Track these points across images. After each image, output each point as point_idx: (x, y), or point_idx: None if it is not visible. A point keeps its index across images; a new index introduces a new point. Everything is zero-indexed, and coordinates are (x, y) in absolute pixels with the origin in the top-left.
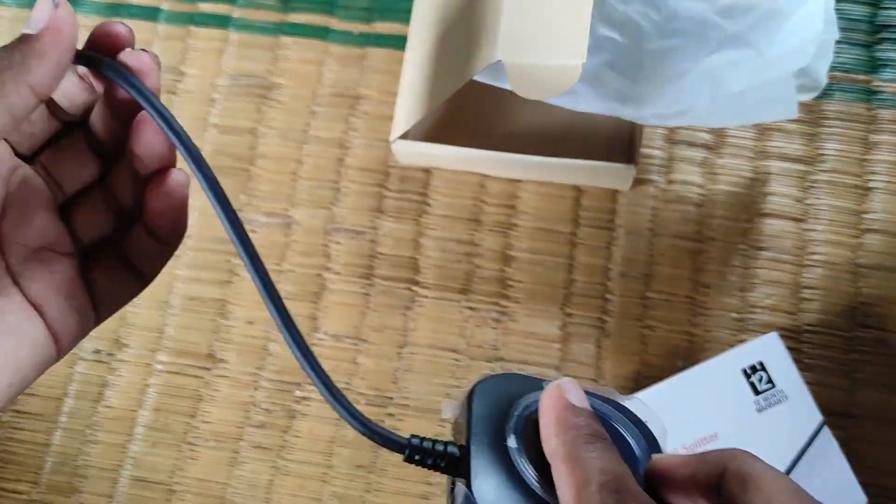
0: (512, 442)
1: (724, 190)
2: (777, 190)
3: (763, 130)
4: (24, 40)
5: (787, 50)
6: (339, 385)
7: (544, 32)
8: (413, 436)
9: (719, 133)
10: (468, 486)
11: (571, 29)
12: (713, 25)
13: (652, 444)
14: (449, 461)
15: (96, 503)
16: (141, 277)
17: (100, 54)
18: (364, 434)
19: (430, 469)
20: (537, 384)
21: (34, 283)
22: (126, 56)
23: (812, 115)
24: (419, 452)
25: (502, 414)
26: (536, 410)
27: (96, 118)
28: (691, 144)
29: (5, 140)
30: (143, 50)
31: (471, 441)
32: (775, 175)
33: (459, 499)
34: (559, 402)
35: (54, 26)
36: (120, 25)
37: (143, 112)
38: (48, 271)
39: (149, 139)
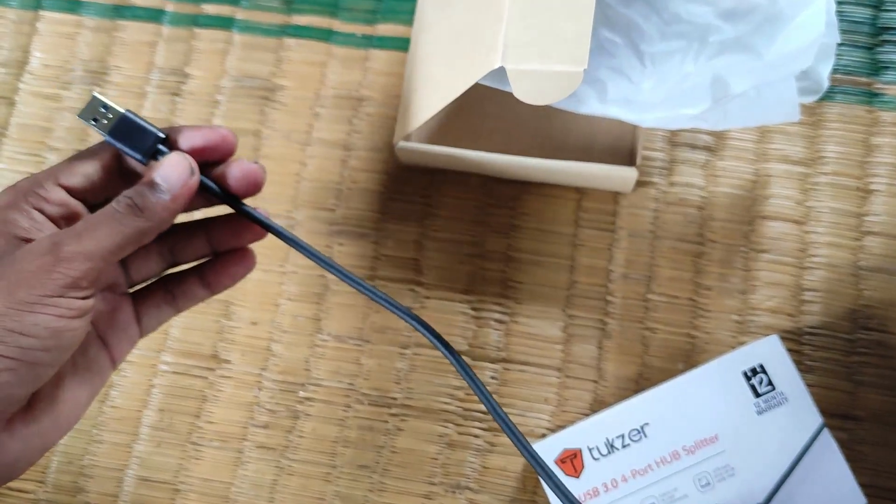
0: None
1: (726, 192)
2: (778, 192)
3: (764, 133)
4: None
5: (788, 53)
6: (342, 385)
7: (546, 39)
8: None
9: (720, 136)
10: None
11: (573, 35)
12: (714, 29)
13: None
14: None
15: (102, 502)
16: (179, 309)
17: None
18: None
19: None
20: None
21: (101, 321)
22: (241, 170)
23: (813, 117)
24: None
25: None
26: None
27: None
28: (693, 147)
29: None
30: (255, 163)
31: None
32: (776, 177)
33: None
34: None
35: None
36: (229, 134)
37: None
38: (111, 309)
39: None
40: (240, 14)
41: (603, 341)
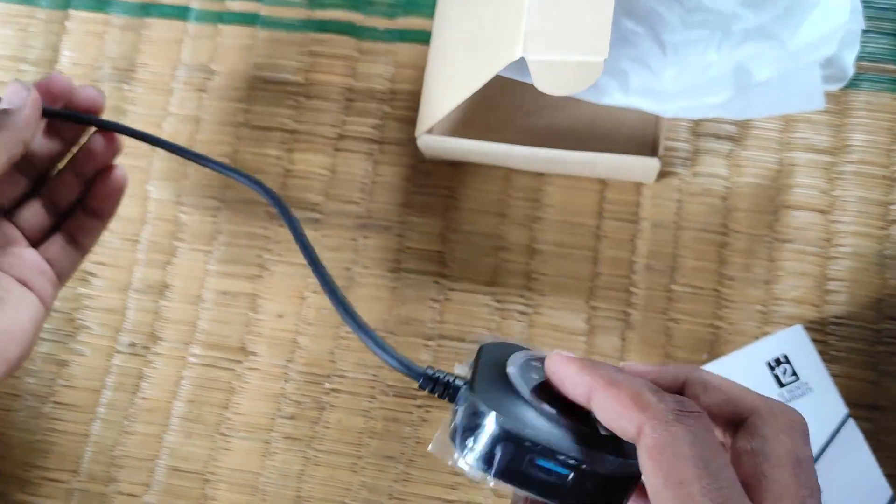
0: (511, 369)
1: (750, 182)
2: (803, 181)
3: (789, 121)
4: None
5: (812, 40)
6: (367, 377)
7: (566, 29)
8: (429, 367)
9: (744, 125)
10: (470, 387)
11: (593, 25)
12: (737, 17)
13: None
14: (455, 390)
15: (134, 492)
16: (84, 248)
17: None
18: (388, 362)
19: (439, 398)
20: (525, 349)
21: (13, 269)
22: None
23: (839, 105)
24: (432, 381)
25: (502, 361)
26: (531, 358)
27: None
28: (717, 137)
29: None
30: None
31: (475, 373)
32: (801, 166)
33: (461, 400)
34: (568, 358)
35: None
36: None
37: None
38: (19, 260)
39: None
40: (264, 10)
41: (626, 332)
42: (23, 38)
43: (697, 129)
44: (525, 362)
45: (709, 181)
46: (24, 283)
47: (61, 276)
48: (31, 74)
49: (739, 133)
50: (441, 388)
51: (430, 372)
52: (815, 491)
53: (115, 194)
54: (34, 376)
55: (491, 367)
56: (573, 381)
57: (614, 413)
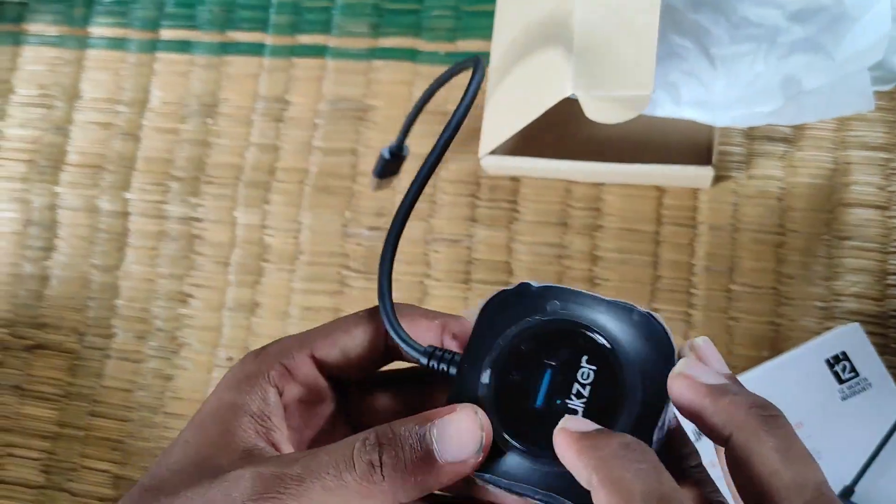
0: (485, 377)
1: (805, 182)
2: (859, 179)
3: (843, 121)
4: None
5: (857, 50)
6: None
7: (612, 66)
8: (430, 346)
9: (798, 126)
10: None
11: (638, 62)
12: (783, 30)
13: (666, 350)
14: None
15: None
16: None
17: None
18: (394, 337)
19: (442, 377)
20: (542, 305)
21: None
22: None
23: (892, 101)
24: (435, 359)
25: (493, 340)
26: (521, 339)
27: None
28: (770, 139)
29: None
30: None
31: (461, 364)
32: (857, 164)
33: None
34: (571, 436)
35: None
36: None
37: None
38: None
39: None
40: (332, 42)
41: (688, 332)
42: (116, 81)
43: (751, 132)
44: (509, 348)
45: (764, 183)
46: None
47: None
48: (126, 115)
49: (794, 134)
50: (441, 371)
51: (429, 349)
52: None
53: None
54: (145, 390)
55: (474, 357)
56: (572, 467)
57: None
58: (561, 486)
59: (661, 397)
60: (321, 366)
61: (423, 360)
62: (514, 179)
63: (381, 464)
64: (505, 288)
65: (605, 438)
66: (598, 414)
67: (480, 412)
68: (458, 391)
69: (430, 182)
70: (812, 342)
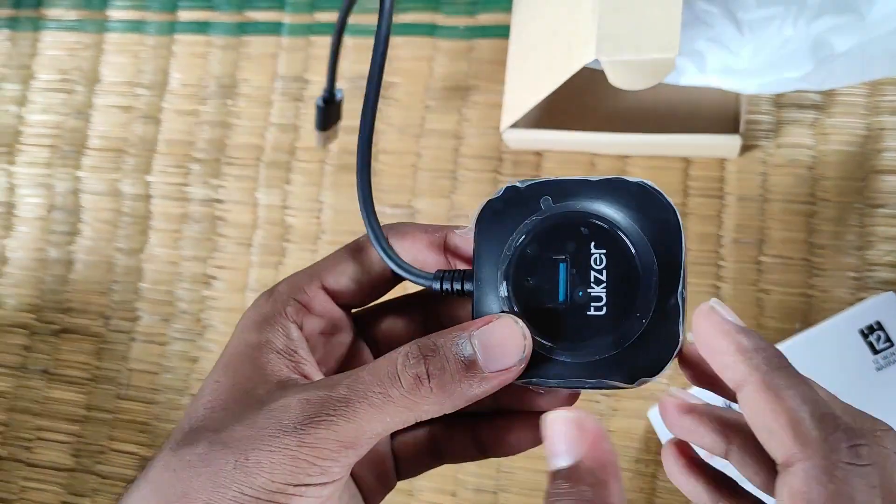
0: (503, 290)
1: (836, 150)
2: (892, 145)
3: (875, 86)
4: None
5: (889, 11)
6: None
7: (637, 28)
8: (439, 270)
9: (829, 93)
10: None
11: (663, 23)
12: None
13: (664, 212)
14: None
15: None
16: (442, 462)
17: None
18: (396, 272)
19: (458, 296)
20: (534, 204)
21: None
22: None
23: None
24: (447, 281)
25: (499, 250)
26: (525, 244)
27: None
28: (800, 106)
29: None
30: None
31: (474, 283)
32: (890, 130)
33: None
34: (725, 325)
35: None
36: None
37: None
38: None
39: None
40: (350, 19)
41: None
42: (136, 64)
43: (780, 100)
44: (518, 254)
45: (793, 151)
46: (356, 480)
47: (402, 474)
48: (146, 98)
49: (824, 101)
50: (455, 291)
51: (438, 274)
52: None
53: (523, 446)
54: (171, 372)
55: (487, 269)
56: (723, 361)
57: (763, 425)
58: (608, 370)
59: (675, 257)
60: (334, 296)
61: (436, 286)
62: (537, 153)
63: (427, 376)
64: (491, 197)
65: (757, 339)
66: (622, 292)
67: (519, 320)
68: (480, 307)
69: (452, 158)
70: (845, 312)
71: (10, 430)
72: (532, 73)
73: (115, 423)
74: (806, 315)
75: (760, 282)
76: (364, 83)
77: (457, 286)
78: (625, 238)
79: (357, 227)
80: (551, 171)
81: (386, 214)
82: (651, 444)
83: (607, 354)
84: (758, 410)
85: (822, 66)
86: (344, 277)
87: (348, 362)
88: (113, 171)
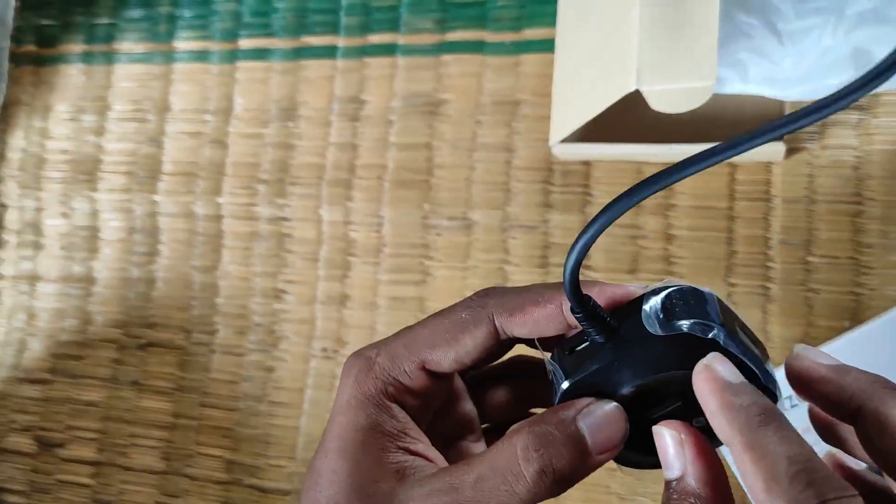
0: (624, 390)
1: (882, 150)
2: None
3: None
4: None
5: None
6: None
7: (675, 58)
8: (596, 303)
9: (872, 93)
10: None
11: (700, 52)
12: (850, 1)
13: (753, 340)
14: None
15: None
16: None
17: None
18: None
19: (580, 324)
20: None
21: None
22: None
23: None
24: (593, 315)
25: (648, 369)
26: (666, 384)
27: None
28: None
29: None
30: None
31: (608, 353)
32: None
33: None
34: (715, 383)
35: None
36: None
37: None
38: None
39: None
40: (401, 39)
41: (767, 306)
42: (202, 92)
43: None
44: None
45: (839, 153)
46: None
47: None
48: (212, 124)
49: (868, 102)
50: (588, 328)
51: (593, 304)
52: None
53: None
54: (249, 381)
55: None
56: (714, 420)
57: (745, 476)
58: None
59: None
60: (432, 373)
61: (579, 315)
62: (586, 163)
63: (552, 470)
64: (691, 333)
65: (748, 396)
66: None
67: (621, 411)
68: (593, 374)
69: (504, 170)
70: (893, 310)
71: (107, 437)
72: (578, 90)
73: (201, 429)
74: (855, 313)
75: (809, 282)
76: (417, 101)
77: (592, 332)
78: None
79: (416, 240)
80: (600, 181)
81: (443, 227)
82: None
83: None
84: (742, 469)
85: (862, 73)
86: (446, 360)
87: (457, 425)
88: (186, 194)
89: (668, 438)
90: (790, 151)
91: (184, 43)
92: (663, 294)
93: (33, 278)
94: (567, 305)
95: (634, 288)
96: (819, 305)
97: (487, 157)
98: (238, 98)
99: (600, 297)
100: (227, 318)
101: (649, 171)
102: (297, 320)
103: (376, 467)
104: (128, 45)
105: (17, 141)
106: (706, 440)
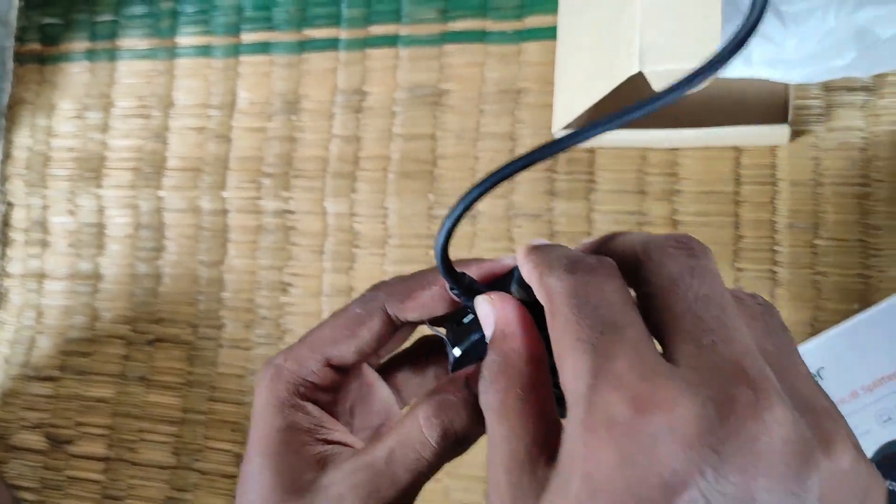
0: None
1: (888, 130)
2: None
3: None
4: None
5: None
6: None
7: (678, 39)
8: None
9: (878, 74)
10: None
11: (704, 32)
12: None
13: None
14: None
15: None
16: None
17: None
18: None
19: (459, 299)
20: None
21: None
22: None
23: None
24: (469, 289)
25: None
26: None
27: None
28: (850, 89)
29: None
30: None
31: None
32: None
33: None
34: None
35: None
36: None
37: None
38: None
39: None
40: (403, 30)
41: (775, 289)
42: (205, 87)
43: (829, 84)
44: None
45: (845, 134)
46: None
47: None
48: (216, 118)
49: (874, 83)
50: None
51: (467, 280)
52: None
53: None
54: (257, 375)
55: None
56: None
57: (524, 273)
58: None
59: None
60: (339, 367)
61: (457, 292)
62: (590, 150)
63: (454, 430)
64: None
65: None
66: None
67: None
68: (479, 342)
69: (508, 159)
70: None
71: (115, 432)
72: (580, 76)
73: (210, 424)
74: (864, 296)
75: (817, 265)
76: (421, 92)
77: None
78: None
79: (421, 230)
80: (605, 167)
81: None
82: None
83: None
84: (523, 269)
85: (867, 53)
86: (348, 353)
87: (365, 397)
88: (191, 189)
89: (482, 302)
90: (796, 134)
91: (186, 38)
92: None
93: (41, 276)
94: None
95: (509, 260)
96: (828, 289)
97: (491, 146)
98: (241, 92)
99: (478, 272)
100: (234, 313)
101: (654, 157)
102: (304, 313)
103: (298, 462)
104: (131, 41)
105: (23, 140)
106: (518, 303)
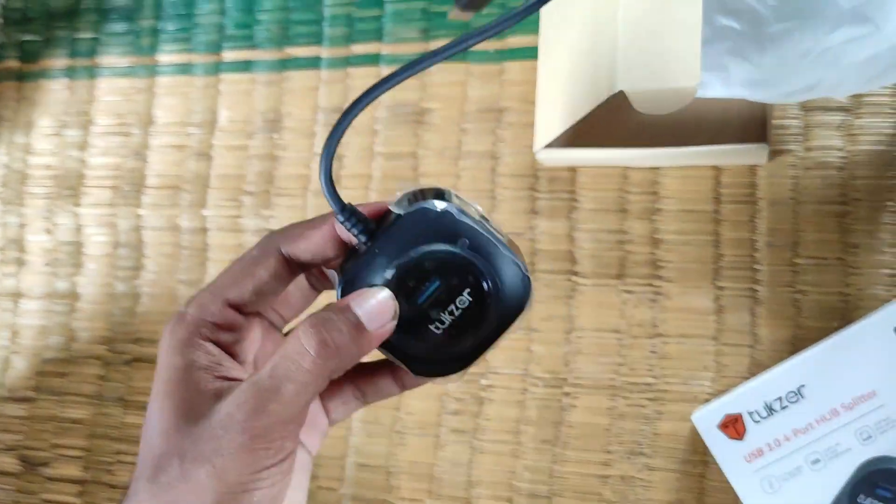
0: (388, 273)
1: (866, 150)
2: None
3: None
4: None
5: None
6: (517, 372)
7: (658, 59)
8: (350, 204)
9: (855, 94)
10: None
11: (683, 54)
12: (830, 3)
13: (522, 307)
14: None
15: (330, 486)
16: (367, 403)
17: None
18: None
19: (344, 226)
20: (455, 237)
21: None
22: None
23: None
24: (353, 218)
25: (406, 247)
26: (424, 259)
27: None
28: (827, 109)
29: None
30: None
31: (372, 243)
32: None
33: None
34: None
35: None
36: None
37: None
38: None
39: None
40: (385, 49)
41: (755, 308)
42: (186, 105)
43: (807, 104)
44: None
45: (823, 154)
46: (306, 446)
47: (332, 421)
48: (197, 136)
49: (851, 103)
50: (353, 228)
51: (349, 206)
52: None
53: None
54: None
55: (394, 242)
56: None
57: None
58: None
59: (498, 334)
60: (239, 307)
61: (341, 218)
62: (571, 169)
63: (332, 341)
64: (427, 206)
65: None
66: (455, 332)
67: (388, 291)
68: (362, 267)
69: (489, 178)
70: (881, 310)
71: (92, 454)
72: (561, 96)
73: None
74: (843, 314)
75: (797, 283)
76: (402, 110)
77: (354, 229)
78: (487, 305)
79: None
80: (586, 186)
81: None
82: (697, 445)
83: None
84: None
85: (844, 74)
86: (247, 293)
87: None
88: (171, 207)
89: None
90: (775, 153)
91: (167, 56)
92: (410, 190)
93: (17, 295)
94: (337, 223)
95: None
96: (807, 307)
97: (473, 164)
98: (222, 110)
99: (363, 211)
100: None
101: (635, 176)
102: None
103: (197, 396)
104: (111, 59)
105: (0, 157)
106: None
